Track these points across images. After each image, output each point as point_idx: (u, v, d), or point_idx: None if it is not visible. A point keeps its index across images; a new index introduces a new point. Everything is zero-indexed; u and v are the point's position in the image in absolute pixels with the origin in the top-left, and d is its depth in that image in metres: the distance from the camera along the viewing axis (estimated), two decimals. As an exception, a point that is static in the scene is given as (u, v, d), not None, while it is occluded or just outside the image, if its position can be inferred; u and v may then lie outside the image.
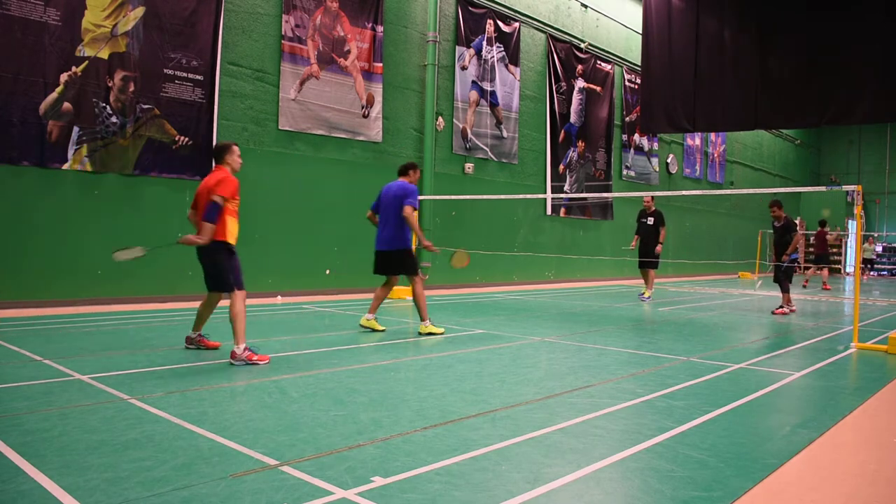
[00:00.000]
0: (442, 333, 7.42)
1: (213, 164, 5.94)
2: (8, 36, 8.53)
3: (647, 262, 12.94)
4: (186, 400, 4.25)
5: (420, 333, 7.36)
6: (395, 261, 7.41)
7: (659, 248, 12.87)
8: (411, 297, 7.75)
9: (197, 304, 6.22)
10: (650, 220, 12.91)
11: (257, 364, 5.40)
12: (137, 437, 3.45)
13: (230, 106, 10.74)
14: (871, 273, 28.87)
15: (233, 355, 5.41)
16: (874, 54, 10.73)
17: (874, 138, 33.21)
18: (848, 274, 28.62)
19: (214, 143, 10.35)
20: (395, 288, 12.05)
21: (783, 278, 10.97)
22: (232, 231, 5.61)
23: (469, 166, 14.73)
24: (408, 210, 7.13)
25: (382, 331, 7.52)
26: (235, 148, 5.94)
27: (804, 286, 18.32)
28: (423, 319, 7.40)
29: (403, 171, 7.57)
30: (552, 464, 3.20)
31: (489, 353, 6.32)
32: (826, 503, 2.90)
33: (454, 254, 8.46)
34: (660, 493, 2.89)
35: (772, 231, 11.47)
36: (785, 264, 10.89)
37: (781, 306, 10.93)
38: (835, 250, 27.62)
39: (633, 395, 4.68)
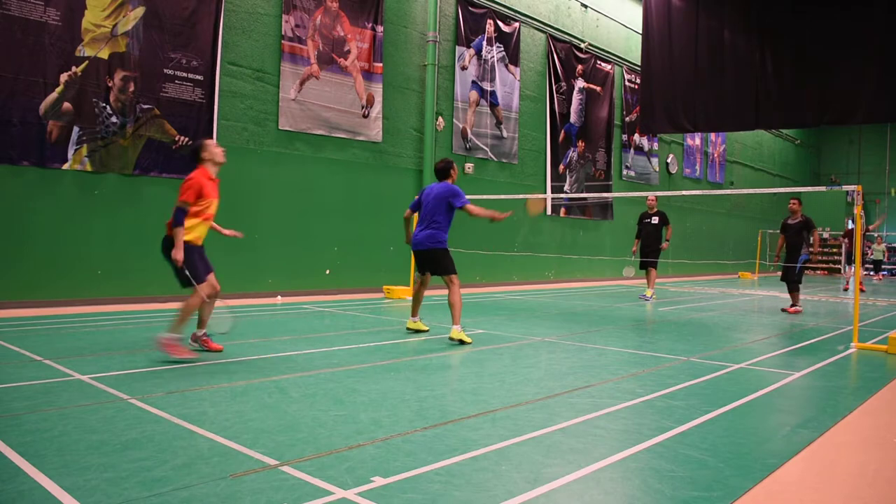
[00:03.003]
0: (470, 343, 6.88)
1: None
2: (8, 36, 8.53)
3: (649, 261, 12.96)
4: (186, 400, 4.25)
5: (451, 339, 6.83)
6: (433, 260, 7.21)
7: (665, 244, 12.89)
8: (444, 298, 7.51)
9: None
10: (654, 220, 12.92)
11: (173, 356, 5.44)
12: (137, 437, 3.45)
13: (230, 106, 10.74)
14: (873, 274, 27.88)
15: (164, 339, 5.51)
16: (874, 54, 10.73)
17: (874, 138, 33.20)
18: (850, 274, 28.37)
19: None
20: (394, 288, 12.23)
21: (796, 279, 10.93)
22: (198, 232, 5.68)
23: (469, 166, 14.73)
24: (469, 207, 6.95)
25: (426, 331, 7.49)
26: (208, 142, 5.88)
27: (845, 289, 17.91)
28: (455, 323, 6.89)
29: (444, 174, 7.28)
30: (552, 464, 3.20)
31: (489, 353, 6.32)
32: (826, 503, 2.90)
33: (527, 203, 8.12)
34: (660, 493, 2.89)
35: (780, 230, 11.32)
36: (799, 265, 10.84)
37: (794, 304, 10.89)
38: (835, 250, 27.49)
39: (633, 395, 4.68)
